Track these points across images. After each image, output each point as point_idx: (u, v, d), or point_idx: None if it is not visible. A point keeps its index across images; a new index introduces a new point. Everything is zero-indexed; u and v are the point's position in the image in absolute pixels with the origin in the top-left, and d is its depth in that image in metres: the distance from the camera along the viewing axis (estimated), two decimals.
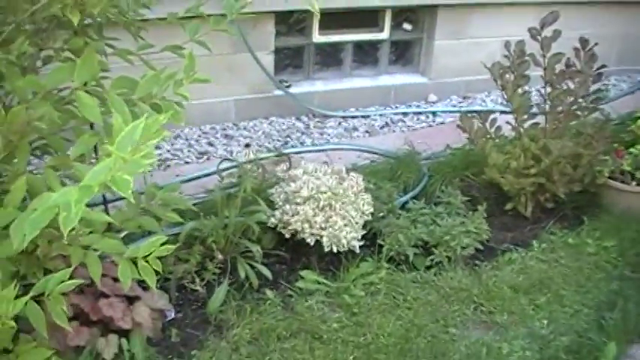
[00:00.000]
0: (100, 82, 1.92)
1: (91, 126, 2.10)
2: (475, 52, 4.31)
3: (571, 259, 2.99)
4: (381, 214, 3.01)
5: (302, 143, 3.94)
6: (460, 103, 4.56)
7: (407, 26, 4.51)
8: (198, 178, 3.45)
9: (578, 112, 3.16)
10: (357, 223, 2.85)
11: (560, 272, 2.91)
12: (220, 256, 2.75)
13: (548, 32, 3.09)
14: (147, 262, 1.87)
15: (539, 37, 3.05)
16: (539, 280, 2.85)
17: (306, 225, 2.76)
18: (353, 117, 4.26)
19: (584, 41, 3.21)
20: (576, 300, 2.78)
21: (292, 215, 2.77)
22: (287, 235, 2.83)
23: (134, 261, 1.88)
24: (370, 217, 2.93)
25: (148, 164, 1.26)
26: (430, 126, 4.22)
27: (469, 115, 3.37)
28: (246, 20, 3.81)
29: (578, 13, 4.78)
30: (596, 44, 3.22)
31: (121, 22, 2.36)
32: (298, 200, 2.80)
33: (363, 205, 2.90)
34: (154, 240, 1.87)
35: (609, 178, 3.23)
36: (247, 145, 3.23)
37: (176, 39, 2.36)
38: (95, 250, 1.95)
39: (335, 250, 2.78)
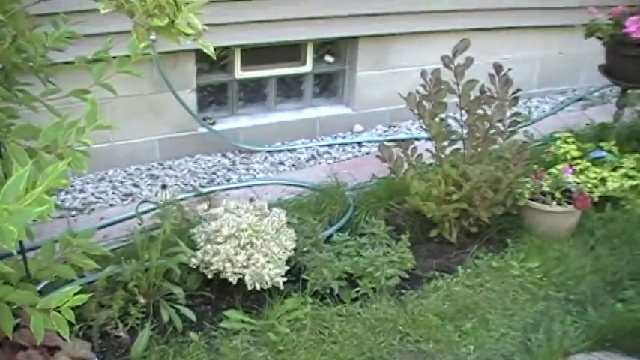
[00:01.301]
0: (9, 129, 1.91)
1: None
2: (397, 81, 4.38)
3: (496, 282, 3.03)
4: (305, 249, 3.03)
5: (228, 180, 3.94)
6: (386, 132, 4.61)
7: (329, 59, 4.56)
8: (123, 220, 3.42)
9: (496, 137, 3.23)
10: (280, 259, 2.85)
11: (485, 296, 2.96)
12: (143, 300, 2.73)
13: (461, 60, 3.16)
14: (60, 312, 1.84)
15: (452, 65, 3.12)
16: (464, 306, 2.88)
17: (228, 264, 2.76)
18: (279, 151, 4.28)
19: (498, 67, 3.30)
20: (502, 323, 2.82)
21: (213, 255, 2.76)
22: (209, 276, 2.82)
23: (50, 311, 1.85)
24: (293, 253, 2.93)
25: (40, 212, 1.25)
26: (356, 156, 4.26)
27: (393, 143, 3.42)
28: (166, 59, 3.86)
29: (497, 38, 4.92)
30: (509, 69, 3.30)
31: (27, 68, 2.34)
32: (219, 239, 2.80)
33: (286, 240, 2.91)
34: (68, 290, 1.84)
35: (530, 199, 3.30)
36: (164, 187, 3.23)
37: (87, 82, 2.35)
38: (8, 302, 1.91)
39: (258, 287, 2.77)
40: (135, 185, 3.86)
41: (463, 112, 3.23)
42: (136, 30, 1.78)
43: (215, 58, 1.88)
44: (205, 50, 1.79)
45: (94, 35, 2.85)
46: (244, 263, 2.77)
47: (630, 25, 3.55)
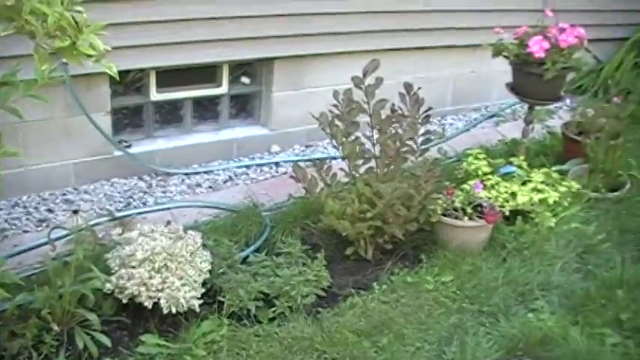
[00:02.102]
0: None
1: None
2: (313, 101, 4.42)
3: (411, 298, 3.09)
4: (221, 270, 3.04)
5: (145, 203, 3.92)
6: (303, 151, 4.67)
7: (245, 80, 4.59)
8: (37, 247, 3.36)
9: (408, 155, 3.31)
10: (195, 281, 2.86)
11: (401, 311, 3.00)
12: (57, 328, 2.69)
13: (372, 80, 3.24)
14: None
15: (362, 86, 3.19)
16: (380, 322, 2.92)
17: (143, 288, 2.75)
18: (196, 173, 4.28)
19: (408, 86, 3.39)
20: (418, 337, 2.87)
21: (128, 279, 2.75)
22: (125, 300, 2.79)
23: None
24: (209, 275, 2.94)
25: None
26: (273, 177, 4.29)
27: (309, 163, 3.47)
28: (79, 82, 3.82)
29: (411, 58, 5.04)
30: (419, 88, 3.39)
31: None
32: (133, 263, 2.79)
33: (201, 262, 2.91)
34: None
35: (443, 215, 3.38)
36: (75, 212, 3.20)
37: None
38: None
39: (174, 311, 2.77)
40: (49, 210, 3.80)
41: (375, 131, 3.30)
42: (38, 52, 1.78)
43: (119, 80, 1.89)
44: (108, 71, 1.80)
45: (2, 58, 2.83)
46: (159, 287, 2.76)
47: (533, 44, 3.69)
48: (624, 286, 3.22)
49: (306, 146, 4.73)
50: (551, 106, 5.39)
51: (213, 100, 4.54)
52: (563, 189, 3.78)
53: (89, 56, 1.78)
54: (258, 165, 4.43)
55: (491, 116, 5.47)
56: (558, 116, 5.47)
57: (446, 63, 5.28)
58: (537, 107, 4.37)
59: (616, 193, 4.04)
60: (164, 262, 2.80)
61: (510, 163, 3.96)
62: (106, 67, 1.82)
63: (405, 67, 4.96)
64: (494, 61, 4.04)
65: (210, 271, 2.96)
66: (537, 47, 3.69)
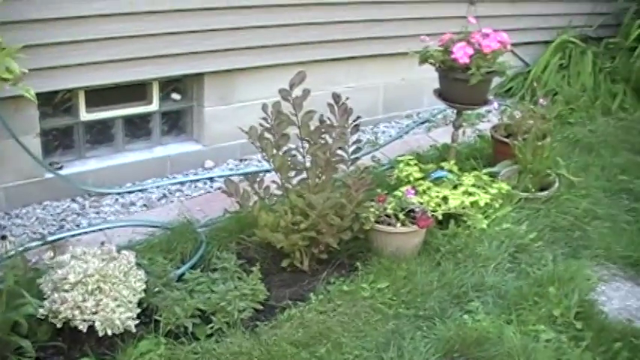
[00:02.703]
0: None
1: None
2: (245, 114, 4.43)
3: (348, 306, 3.11)
4: (157, 289, 3.02)
5: (78, 225, 3.88)
6: (237, 166, 4.67)
7: (176, 96, 4.58)
8: None
9: (338, 165, 3.34)
10: (130, 302, 2.84)
11: (338, 320, 3.03)
12: None
13: (299, 91, 3.27)
14: None
15: (290, 98, 3.21)
16: (318, 332, 2.94)
17: (77, 311, 2.72)
18: (129, 192, 4.25)
19: (336, 97, 3.43)
20: (356, 345, 2.89)
21: (61, 303, 2.72)
22: (59, 325, 2.76)
23: None
24: (144, 294, 2.93)
25: None
26: (208, 192, 4.29)
27: (243, 177, 3.48)
28: (5, 105, 3.77)
29: (341, 68, 5.10)
30: (347, 98, 3.44)
31: None
32: (66, 287, 2.76)
33: (135, 282, 2.90)
34: None
35: (376, 222, 3.42)
36: (4, 237, 3.16)
37: None
38: None
39: (110, 332, 2.75)
40: None
41: (305, 142, 3.33)
42: None
43: (41, 101, 1.88)
44: (26, 94, 1.79)
45: None
46: (93, 309, 2.74)
47: (457, 51, 3.77)
48: (556, 283, 3.30)
49: (240, 160, 4.74)
50: (482, 110, 5.51)
51: (145, 118, 4.52)
52: (493, 191, 3.87)
53: (5, 80, 1.76)
54: (192, 181, 4.42)
55: (423, 122, 5.57)
56: (488, 120, 5.59)
57: (376, 71, 5.35)
58: (467, 112, 4.47)
59: (545, 193, 4.14)
60: (97, 283, 2.78)
61: (441, 168, 4.03)
62: (24, 90, 1.81)
63: (335, 77, 5.02)
64: (424, 68, 4.10)
65: (145, 291, 2.94)
66: (461, 53, 3.76)
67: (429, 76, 4.22)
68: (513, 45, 6.02)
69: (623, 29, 6.87)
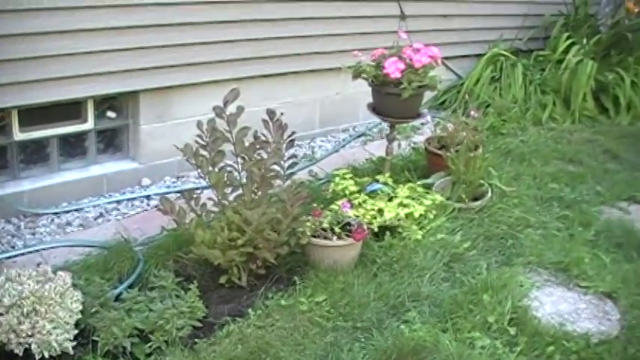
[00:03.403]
0: None
1: None
2: (182, 132, 4.44)
3: (286, 320, 3.13)
4: (94, 310, 3.00)
5: (13, 247, 3.82)
6: (174, 183, 4.67)
7: (111, 114, 4.56)
8: None
9: (274, 180, 3.37)
10: (67, 323, 2.82)
11: (277, 335, 3.04)
12: None
13: (233, 108, 3.29)
14: None
15: (224, 115, 3.24)
16: (257, 347, 2.95)
17: (12, 335, 2.70)
18: (66, 212, 4.20)
19: (270, 112, 3.45)
20: (295, 359, 2.92)
21: None
22: None
23: None
24: (81, 315, 2.91)
25: None
26: (145, 210, 4.27)
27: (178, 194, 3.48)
28: None
29: (278, 83, 5.14)
30: (282, 114, 3.47)
31: None
32: (1, 310, 2.73)
33: (72, 303, 2.88)
34: None
35: (313, 236, 3.46)
36: None
37: None
38: None
39: (47, 355, 2.73)
40: None
41: (240, 158, 3.35)
42: None
43: None
44: None
45: None
46: (29, 332, 2.72)
47: (389, 66, 3.84)
48: (490, 290, 3.38)
49: (178, 177, 4.73)
50: (417, 123, 5.61)
51: (80, 137, 4.48)
52: (428, 202, 3.94)
53: None
54: (129, 199, 4.39)
55: (359, 136, 5.64)
56: (422, 132, 5.69)
57: (313, 86, 5.41)
58: (402, 125, 4.54)
59: (478, 202, 4.23)
60: (33, 306, 2.76)
61: (377, 181, 4.09)
62: None
63: (272, 92, 5.06)
64: (359, 82, 4.16)
65: (82, 311, 2.92)
66: (393, 68, 3.84)
67: (364, 91, 4.28)
68: (447, 58, 6.21)
69: (552, 42, 7.09)
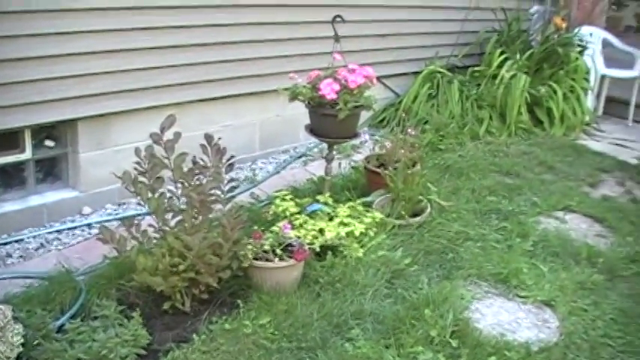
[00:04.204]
0: None
1: None
2: (122, 158, 4.44)
3: (231, 344, 3.13)
4: (36, 342, 2.97)
5: None
6: (115, 210, 4.64)
7: (49, 143, 4.51)
8: None
9: (213, 205, 3.39)
10: (8, 357, 2.79)
11: (222, 359, 3.06)
12: None
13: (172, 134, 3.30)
14: None
15: (161, 142, 3.24)
16: None
17: None
18: (5, 244, 4.14)
19: (208, 137, 3.46)
20: None
21: None
22: None
23: None
24: (22, 348, 2.88)
25: None
26: (86, 239, 4.23)
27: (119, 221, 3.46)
28: None
29: (217, 107, 5.16)
30: (219, 139, 3.49)
31: None
32: None
33: (13, 337, 2.85)
34: None
35: (255, 259, 3.48)
36: None
37: None
38: None
39: None
40: None
41: (179, 184, 3.36)
42: None
43: None
44: None
45: None
46: None
47: (324, 87, 3.89)
48: (431, 304, 3.44)
49: (119, 204, 4.71)
50: (357, 142, 5.68)
51: (18, 167, 4.43)
52: (368, 220, 4.00)
53: None
54: (69, 229, 4.35)
55: (300, 156, 5.69)
56: (361, 151, 5.76)
57: (252, 109, 5.45)
58: (343, 144, 4.58)
59: (418, 218, 4.30)
60: None
61: (317, 201, 4.13)
62: None
63: (211, 116, 5.08)
64: (297, 104, 4.20)
65: (23, 345, 2.89)
66: (328, 90, 3.89)
67: (304, 112, 4.32)
68: (384, 77, 6.32)
69: (487, 58, 7.26)
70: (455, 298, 3.54)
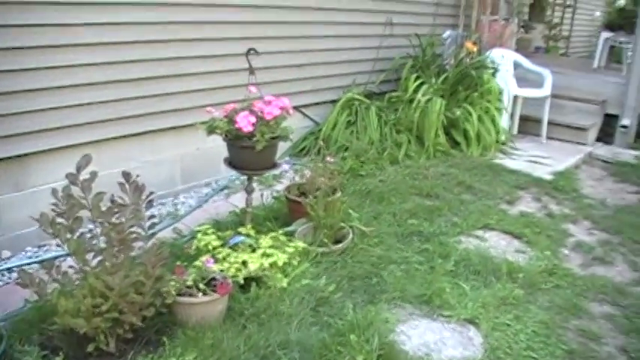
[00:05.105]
0: None
1: None
2: (41, 199, 4.35)
3: None
4: None
5: None
6: (36, 252, 4.55)
7: None
8: None
9: (134, 243, 3.37)
10: None
11: None
12: None
13: (86, 174, 3.29)
14: None
15: (78, 182, 3.23)
16: None
17: None
18: None
19: (126, 175, 3.46)
20: None
21: None
22: None
23: None
24: None
25: None
26: (7, 284, 4.14)
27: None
28: None
29: (137, 143, 5.14)
30: (137, 176, 3.48)
31: None
32: None
33: None
34: None
35: (178, 295, 3.47)
36: None
37: None
38: None
39: None
40: None
41: (98, 224, 3.34)
42: None
43: None
44: None
45: None
46: None
47: (240, 120, 3.93)
48: (356, 330, 3.48)
49: (39, 246, 4.62)
50: (278, 172, 5.73)
51: None
52: (291, 250, 4.03)
53: None
54: None
55: (222, 189, 5.69)
56: (281, 181, 5.82)
57: (172, 144, 5.44)
58: (264, 175, 4.61)
59: (340, 245, 4.37)
60: None
61: (239, 233, 4.15)
62: None
63: (130, 153, 5.06)
64: (217, 136, 4.21)
65: None
66: (245, 122, 3.92)
67: (223, 144, 4.32)
68: (303, 106, 6.41)
69: (403, 83, 7.43)
70: (380, 322, 3.59)
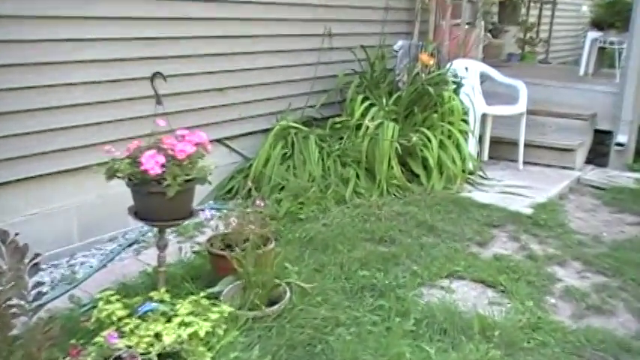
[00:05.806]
0: None
1: None
2: None
3: None
4: None
5: None
6: None
7: None
8: None
9: (15, 319, 3.28)
10: None
11: None
12: None
13: None
14: None
15: None
16: None
17: None
18: None
19: (2, 233, 3.36)
20: None
21: None
22: None
23: None
24: None
25: None
26: None
27: None
28: None
29: (19, 192, 5.03)
30: (16, 234, 3.39)
31: None
32: None
33: None
34: None
35: None
36: None
37: None
38: None
39: None
40: None
41: None
42: None
43: None
44: None
45: None
46: None
47: (146, 161, 3.83)
48: None
49: None
50: (200, 219, 5.67)
51: None
52: (215, 316, 3.95)
53: None
54: None
55: (131, 244, 5.59)
56: (207, 231, 5.73)
57: (66, 191, 5.31)
58: (179, 225, 4.54)
59: (275, 307, 4.30)
60: None
61: (151, 299, 4.06)
62: None
63: (12, 204, 4.93)
64: (121, 181, 4.13)
65: None
66: (152, 163, 3.83)
67: None
68: (228, 139, 6.37)
69: (348, 105, 7.44)
70: None
